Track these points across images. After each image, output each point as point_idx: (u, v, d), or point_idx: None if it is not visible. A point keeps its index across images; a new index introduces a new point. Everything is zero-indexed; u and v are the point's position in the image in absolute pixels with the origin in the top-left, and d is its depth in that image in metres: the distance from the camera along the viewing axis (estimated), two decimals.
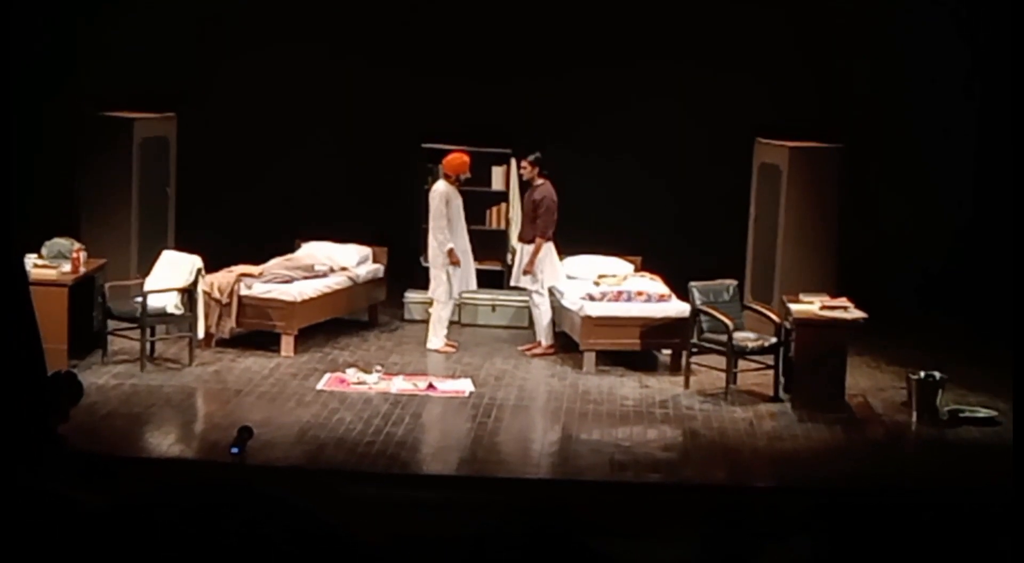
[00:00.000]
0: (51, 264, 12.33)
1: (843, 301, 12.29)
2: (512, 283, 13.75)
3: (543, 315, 13.46)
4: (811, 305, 12.20)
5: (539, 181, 13.43)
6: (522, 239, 13.60)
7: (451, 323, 13.63)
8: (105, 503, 5.04)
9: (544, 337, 13.44)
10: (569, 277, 13.95)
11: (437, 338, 13.38)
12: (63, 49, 14.80)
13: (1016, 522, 7.78)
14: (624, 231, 14.76)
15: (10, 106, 9.72)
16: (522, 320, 14.31)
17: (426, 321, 13.66)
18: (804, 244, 13.90)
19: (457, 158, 13.44)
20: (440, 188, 13.40)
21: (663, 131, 15.19)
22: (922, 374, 11.74)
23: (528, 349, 13.44)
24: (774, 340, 12.21)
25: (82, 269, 12.37)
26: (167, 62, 14.99)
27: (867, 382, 12.71)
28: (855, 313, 12.09)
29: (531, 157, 13.48)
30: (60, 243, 12.64)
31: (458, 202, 13.39)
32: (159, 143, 14.35)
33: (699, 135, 15.14)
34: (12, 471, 5.26)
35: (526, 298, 14.46)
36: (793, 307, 12.19)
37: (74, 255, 12.40)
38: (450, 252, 13.24)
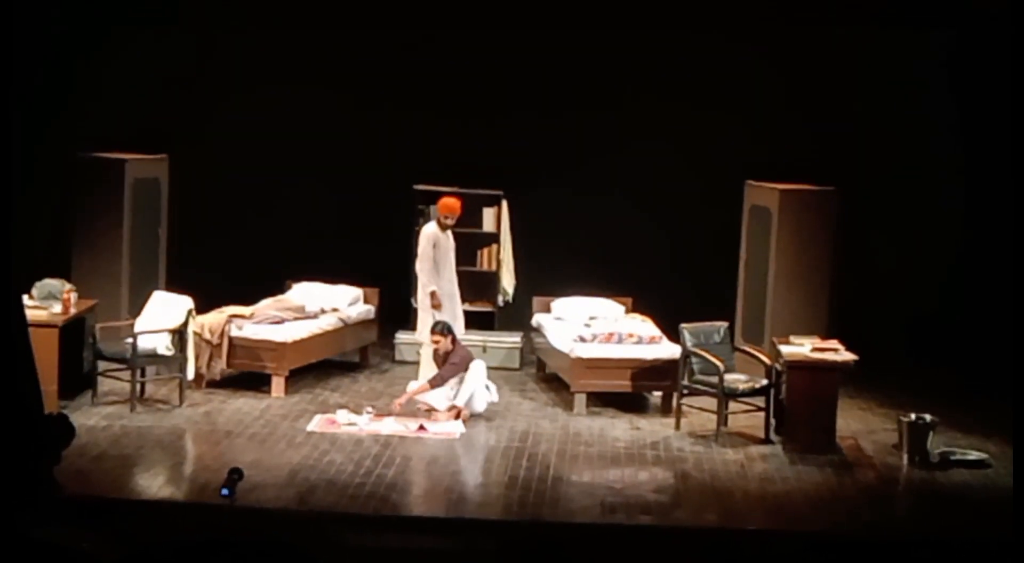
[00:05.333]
0: (42, 305, 12.31)
1: (834, 343, 12.29)
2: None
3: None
4: (802, 347, 12.21)
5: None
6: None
7: None
8: (98, 549, 5.03)
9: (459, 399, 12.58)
10: (558, 319, 13.96)
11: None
12: (56, 90, 14.84)
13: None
14: (615, 272, 14.80)
15: (10, 147, 9.73)
16: (513, 362, 14.30)
17: (417, 363, 13.63)
18: (795, 286, 13.93)
19: (443, 201, 13.41)
20: (428, 230, 13.38)
21: (654, 173, 15.25)
22: (913, 417, 11.75)
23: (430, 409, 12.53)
24: (765, 382, 12.21)
25: (73, 310, 12.35)
26: (159, 104, 15.05)
27: (858, 424, 12.72)
28: (846, 355, 12.10)
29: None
30: (51, 284, 12.62)
31: (447, 245, 13.33)
32: (151, 184, 14.37)
33: (690, 177, 15.19)
34: (9, 516, 5.25)
35: (517, 340, 14.48)
36: (784, 349, 12.20)
37: (65, 296, 12.37)
38: (432, 294, 13.15)
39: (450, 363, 12.49)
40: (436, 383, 12.41)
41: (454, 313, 13.29)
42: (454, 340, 12.64)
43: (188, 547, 5.56)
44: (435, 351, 12.69)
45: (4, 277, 9.28)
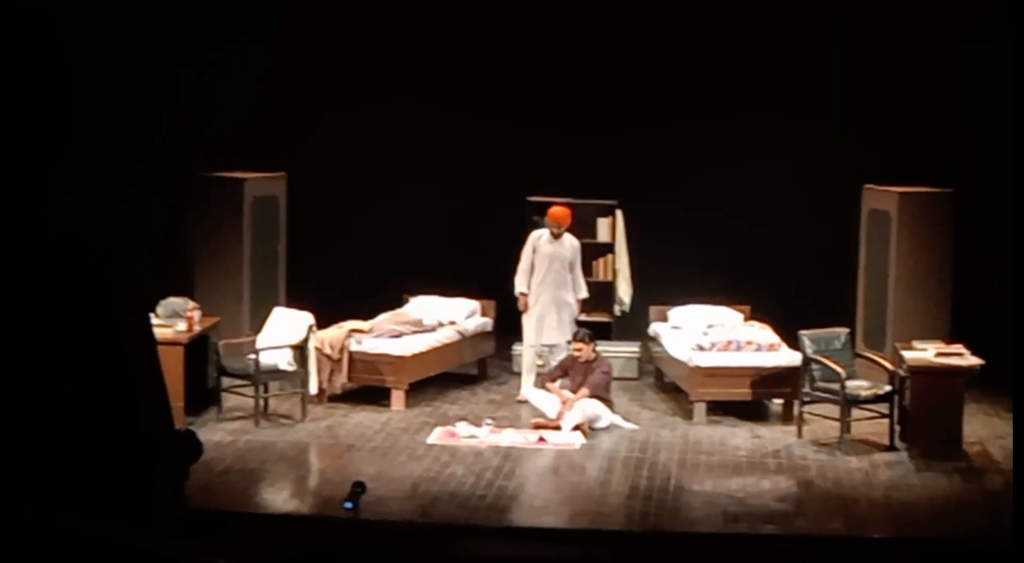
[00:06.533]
0: (166, 323, 12.54)
1: (958, 348, 12.10)
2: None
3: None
4: (925, 352, 12.04)
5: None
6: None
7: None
8: None
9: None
10: (676, 328, 13.90)
11: (524, 386, 13.33)
12: (164, 105, 15.03)
13: None
14: (732, 280, 14.70)
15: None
16: (631, 371, 14.26)
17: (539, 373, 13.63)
18: (916, 290, 13.73)
19: (551, 209, 13.50)
20: (534, 234, 13.48)
21: (769, 180, 15.12)
22: None
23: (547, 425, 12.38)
24: (888, 388, 12.06)
25: (196, 327, 12.56)
26: (271, 118, 15.16)
27: (985, 430, 12.50)
28: (971, 360, 11.91)
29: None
30: (175, 302, 12.85)
31: (550, 252, 13.29)
32: (269, 202, 14.57)
33: (805, 184, 15.03)
34: (140, 531, 5.34)
35: (635, 349, 14.43)
36: (907, 354, 12.04)
37: (189, 314, 12.59)
38: (521, 295, 13.23)
39: (600, 372, 12.48)
40: (594, 393, 12.37)
41: (541, 320, 13.23)
42: (595, 348, 12.64)
43: (308, 561, 5.62)
44: (574, 358, 12.64)
45: (119, 295, 9.40)
